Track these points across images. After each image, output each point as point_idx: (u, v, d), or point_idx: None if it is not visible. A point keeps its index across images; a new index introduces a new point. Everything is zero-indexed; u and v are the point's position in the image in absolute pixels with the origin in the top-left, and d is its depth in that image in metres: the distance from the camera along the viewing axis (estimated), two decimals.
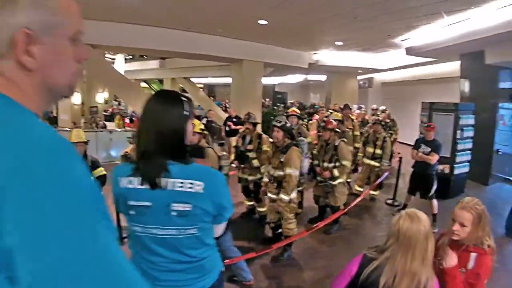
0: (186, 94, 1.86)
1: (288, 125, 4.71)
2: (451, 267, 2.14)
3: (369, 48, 11.75)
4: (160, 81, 25.89)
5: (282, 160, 4.58)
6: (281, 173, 4.62)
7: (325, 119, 7.16)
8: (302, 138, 5.60)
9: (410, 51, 10.37)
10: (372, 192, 7.48)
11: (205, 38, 10.15)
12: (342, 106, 8.13)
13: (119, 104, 23.06)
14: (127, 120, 17.84)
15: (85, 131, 10.90)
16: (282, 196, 4.54)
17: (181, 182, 1.59)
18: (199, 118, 10.94)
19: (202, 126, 4.63)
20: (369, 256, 1.96)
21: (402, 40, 10.00)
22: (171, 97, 1.69)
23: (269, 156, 5.00)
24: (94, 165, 4.69)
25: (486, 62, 8.46)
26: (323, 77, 18.52)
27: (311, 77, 20.39)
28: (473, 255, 2.20)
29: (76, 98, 14.32)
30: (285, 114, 7.51)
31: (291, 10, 7.60)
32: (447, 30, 8.48)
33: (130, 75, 21.58)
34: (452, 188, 7.81)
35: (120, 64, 17.87)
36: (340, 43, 10.99)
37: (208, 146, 4.58)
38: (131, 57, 21.10)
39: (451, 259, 2.16)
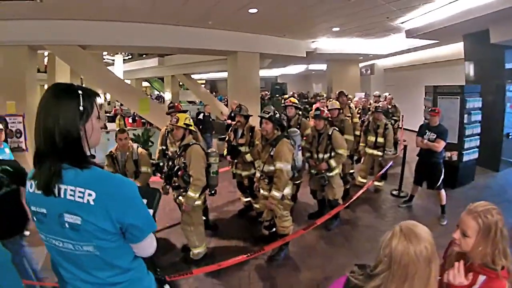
0: (89, 87, 1.54)
1: (278, 115, 4.39)
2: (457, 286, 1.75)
3: (368, 33, 11.31)
4: (161, 79, 25.73)
5: (272, 154, 4.28)
6: (272, 168, 4.33)
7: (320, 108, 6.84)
8: (294, 129, 5.23)
9: (410, 33, 9.93)
10: (376, 183, 7.16)
11: (196, 32, 9.87)
12: (337, 94, 7.74)
13: (122, 104, 22.95)
14: (130, 120, 17.79)
15: None
16: (274, 192, 4.24)
17: (72, 190, 1.35)
18: (198, 113, 10.76)
19: (188, 121, 4.39)
20: (353, 283, 1.48)
21: (402, 23, 9.56)
22: (63, 90, 1.43)
23: (259, 150, 4.70)
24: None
25: (491, 42, 8.00)
26: (324, 66, 18.17)
27: (313, 66, 20.08)
28: (481, 277, 1.74)
29: None
30: (282, 104, 7.16)
31: None
32: (448, 9, 8.03)
33: (130, 75, 21.63)
34: (460, 176, 7.43)
35: (119, 64, 17.73)
36: (337, 28, 10.58)
37: (195, 142, 4.34)
38: (130, 57, 20.99)
39: (458, 276, 1.76)
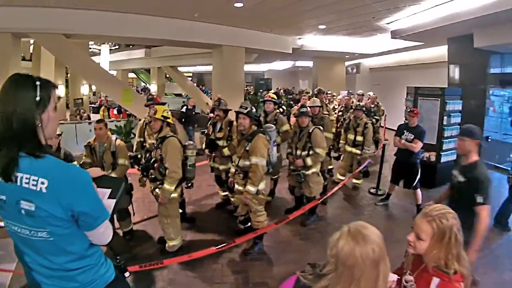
0: (48, 79, 1.58)
1: (254, 110, 4.40)
2: None
3: (354, 32, 11.38)
4: (148, 71, 25.47)
5: (247, 149, 4.29)
6: (247, 163, 4.34)
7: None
8: (269, 125, 5.24)
9: (395, 34, 10.01)
10: (355, 180, 7.24)
11: (182, 24, 9.77)
12: (316, 91, 7.78)
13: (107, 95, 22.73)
14: (115, 112, 17.59)
15: (67, 123, 10.85)
16: (249, 187, 4.25)
17: (27, 178, 1.41)
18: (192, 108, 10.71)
19: (166, 114, 4.38)
20: (302, 282, 1.48)
21: (388, 23, 9.64)
22: (22, 80, 1.49)
23: (235, 145, 4.70)
24: (67, 158, 4.51)
25: (475, 46, 8.13)
26: (311, 63, 18.17)
27: (300, 63, 20.13)
28: (435, 280, 1.75)
29: (61, 90, 13.94)
30: (261, 100, 7.18)
31: None
32: (433, 12, 8.12)
33: (117, 65, 21.35)
34: (438, 177, 7.51)
35: (105, 54, 17.43)
36: (323, 26, 10.61)
37: (172, 135, 4.34)
38: (117, 47, 20.71)
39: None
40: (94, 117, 15.41)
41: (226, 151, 5.45)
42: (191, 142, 4.62)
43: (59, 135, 4.64)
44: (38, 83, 1.48)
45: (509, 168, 5.72)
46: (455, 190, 3.33)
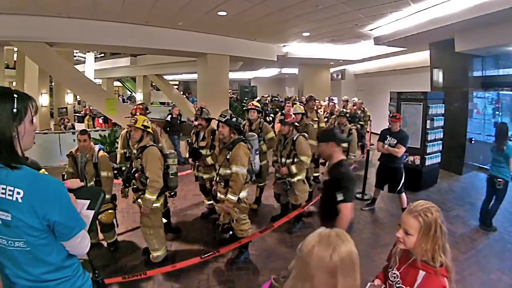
0: (24, 92, 1.62)
1: (234, 119, 4.38)
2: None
3: (338, 39, 11.49)
4: (133, 79, 25.29)
5: (228, 157, 4.27)
6: (228, 171, 4.31)
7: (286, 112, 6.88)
8: (251, 133, 5.25)
9: (378, 40, 10.15)
10: None
11: (165, 32, 9.78)
12: (307, 98, 7.81)
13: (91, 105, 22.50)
14: (100, 121, 17.41)
15: (50, 133, 10.69)
16: (229, 196, 4.22)
17: (4, 188, 1.45)
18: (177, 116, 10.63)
19: (146, 123, 4.34)
20: (274, 286, 1.50)
21: (371, 30, 9.76)
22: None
23: (216, 154, 4.68)
24: (35, 167, 4.32)
25: (456, 50, 8.28)
26: (297, 70, 18.26)
27: (286, 70, 20.25)
28: (421, 273, 1.82)
29: (44, 99, 13.73)
30: (245, 108, 7.18)
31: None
32: (415, 18, 8.24)
33: (102, 74, 21.19)
34: (423, 180, 7.67)
35: (90, 63, 17.22)
36: (307, 34, 10.70)
37: (152, 144, 4.29)
38: (102, 55, 20.54)
39: None
40: (79, 126, 15.25)
41: (209, 160, 5.41)
42: (172, 151, 4.61)
43: None
44: (15, 95, 1.52)
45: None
46: (322, 189, 3.43)
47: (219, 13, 8.19)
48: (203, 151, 5.55)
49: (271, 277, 1.55)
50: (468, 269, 4.42)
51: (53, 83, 16.59)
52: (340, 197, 2.97)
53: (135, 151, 4.48)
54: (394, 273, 1.96)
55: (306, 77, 17.15)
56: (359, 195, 7.17)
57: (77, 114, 20.28)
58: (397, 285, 1.92)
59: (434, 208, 1.83)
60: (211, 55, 11.13)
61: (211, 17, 8.62)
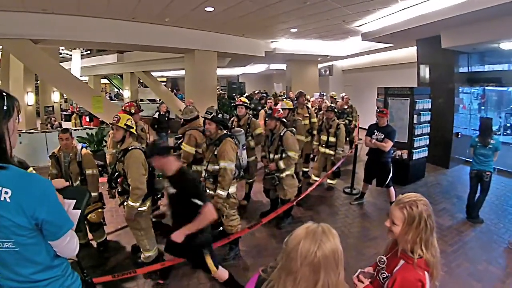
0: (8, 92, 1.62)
1: (220, 115, 4.36)
2: None
3: (326, 35, 11.52)
4: (121, 76, 24.98)
5: (216, 153, 4.25)
6: (216, 167, 4.29)
7: (273, 107, 6.90)
8: (238, 129, 5.26)
9: (366, 36, 10.22)
10: (329, 181, 7.31)
11: (153, 29, 9.68)
12: (296, 94, 7.82)
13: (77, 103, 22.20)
14: (87, 119, 17.18)
15: (37, 132, 10.53)
16: (219, 191, 4.22)
17: None
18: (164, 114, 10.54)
19: (130, 123, 4.15)
20: (262, 277, 1.52)
21: (358, 26, 9.81)
22: None
23: (203, 150, 4.65)
24: (22, 166, 4.28)
25: (442, 47, 8.38)
26: (285, 66, 18.32)
27: (274, 66, 20.19)
28: (401, 262, 1.90)
29: (30, 98, 13.51)
30: (233, 104, 7.15)
31: None
32: (402, 14, 8.32)
33: (89, 71, 20.88)
34: (411, 174, 7.79)
35: (77, 60, 16.94)
36: (295, 30, 10.71)
37: (135, 146, 4.04)
38: (88, 52, 20.24)
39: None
40: (66, 125, 14.98)
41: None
42: None
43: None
44: (4, 93, 1.54)
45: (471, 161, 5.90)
46: (170, 201, 3.44)
47: (207, 8, 8.14)
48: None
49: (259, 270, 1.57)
50: (456, 260, 4.51)
51: (39, 81, 16.31)
52: (199, 202, 3.08)
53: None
54: (382, 259, 2.04)
55: (294, 73, 17.18)
56: (347, 190, 7.24)
57: (64, 113, 19.99)
58: (382, 271, 2.00)
59: (422, 202, 1.87)
60: (199, 51, 11.06)
61: (198, 13, 8.55)
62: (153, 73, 20.01)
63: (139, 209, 4.00)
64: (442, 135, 8.99)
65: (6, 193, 1.44)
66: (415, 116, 7.61)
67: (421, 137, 7.83)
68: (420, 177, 8.09)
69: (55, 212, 1.58)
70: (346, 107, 9.98)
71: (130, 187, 3.89)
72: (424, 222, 1.82)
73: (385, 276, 1.97)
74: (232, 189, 4.35)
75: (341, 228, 5.48)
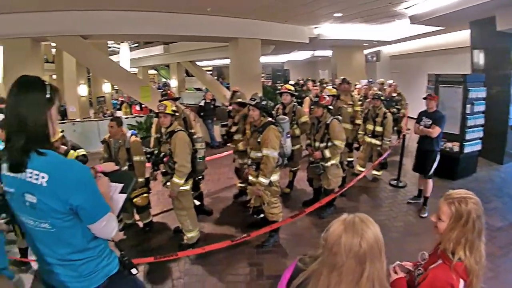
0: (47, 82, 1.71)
1: (264, 102, 4.34)
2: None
3: (371, 18, 11.03)
4: (168, 66, 25.63)
5: (259, 140, 4.26)
6: (259, 154, 4.31)
7: (319, 94, 6.73)
8: (282, 116, 5.18)
9: (414, 19, 9.66)
10: (374, 172, 7.10)
11: (194, 19, 9.72)
12: (339, 81, 7.61)
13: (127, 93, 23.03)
14: (137, 108, 17.87)
15: (89, 120, 11.19)
16: (260, 179, 4.24)
17: (31, 172, 1.53)
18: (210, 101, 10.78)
19: (174, 108, 4.47)
20: (299, 266, 1.50)
21: (406, 8, 9.31)
22: (30, 81, 1.62)
23: (247, 138, 4.68)
24: (74, 148, 5.00)
25: (498, 29, 7.77)
26: (330, 52, 17.84)
27: (319, 52, 19.68)
28: (439, 261, 1.79)
29: (83, 89, 14.39)
30: (277, 92, 7.10)
31: None
32: None
33: (137, 63, 21.75)
34: (461, 168, 7.24)
35: (125, 53, 17.66)
36: (339, 14, 10.33)
37: (180, 129, 4.38)
38: (136, 45, 20.93)
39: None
40: (118, 113, 15.71)
41: (241, 146, 5.44)
42: (200, 135, 4.78)
43: (63, 136, 4.90)
44: (46, 83, 1.63)
45: None
46: None
47: None
48: (236, 136, 5.60)
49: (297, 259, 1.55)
50: (504, 265, 4.17)
51: (90, 74, 17.18)
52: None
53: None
54: (424, 255, 1.95)
55: (339, 60, 16.75)
56: (393, 182, 6.97)
57: (114, 101, 20.90)
58: (419, 267, 1.93)
59: (472, 200, 1.75)
60: (242, 40, 11.06)
61: (239, 1, 8.51)
62: (198, 63, 20.33)
63: (181, 188, 4.29)
64: (496, 127, 8.16)
65: (43, 177, 1.50)
66: (468, 106, 7.05)
67: (474, 129, 7.24)
68: (471, 172, 7.52)
69: (91, 199, 1.62)
70: (394, 94, 9.59)
71: (176, 165, 4.18)
72: (472, 222, 1.70)
73: (420, 272, 1.89)
74: (274, 177, 4.35)
75: (384, 221, 5.30)
